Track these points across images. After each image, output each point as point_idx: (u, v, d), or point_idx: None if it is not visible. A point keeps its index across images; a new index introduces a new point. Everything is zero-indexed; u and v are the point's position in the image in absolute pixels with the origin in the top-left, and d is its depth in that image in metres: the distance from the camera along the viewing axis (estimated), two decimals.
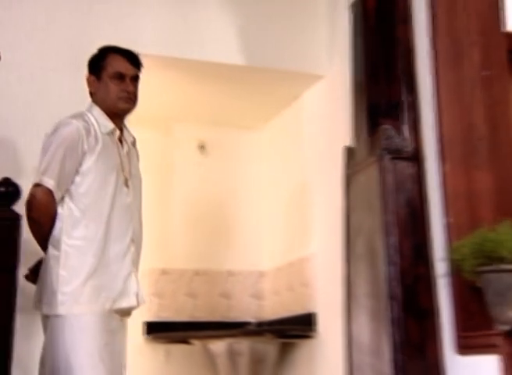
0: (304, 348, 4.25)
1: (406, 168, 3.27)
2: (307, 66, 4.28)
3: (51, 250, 2.57)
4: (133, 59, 2.78)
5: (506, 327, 2.80)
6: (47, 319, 2.56)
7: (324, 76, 4.25)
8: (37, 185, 2.58)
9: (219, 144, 4.94)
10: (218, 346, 4.23)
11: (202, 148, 4.91)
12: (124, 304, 2.60)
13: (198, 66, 4.12)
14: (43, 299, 2.55)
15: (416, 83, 3.39)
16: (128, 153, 2.77)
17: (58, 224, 2.58)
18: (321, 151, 4.24)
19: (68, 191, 2.59)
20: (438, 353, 3.09)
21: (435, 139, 3.25)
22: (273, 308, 4.66)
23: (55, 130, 2.64)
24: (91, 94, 2.78)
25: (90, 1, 3.81)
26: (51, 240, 2.58)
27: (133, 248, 2.67)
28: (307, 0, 4.27)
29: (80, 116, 2.68)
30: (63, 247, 2.54)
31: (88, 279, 2.52)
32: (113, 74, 2.71)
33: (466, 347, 3.00)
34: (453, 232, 3.12)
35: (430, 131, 3.28)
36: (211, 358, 4.34)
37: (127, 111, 2.77)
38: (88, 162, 2.60)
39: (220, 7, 4.10)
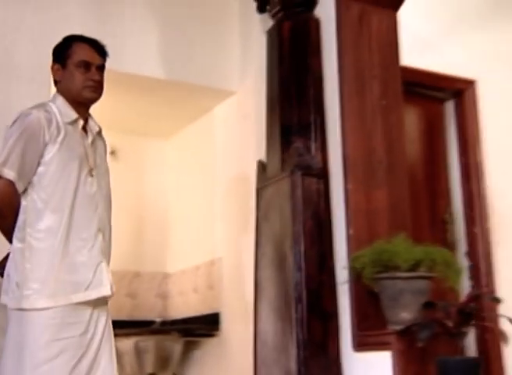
0: (208, 345, 4.44)
1: (314, 184, 3.54)
2: (220, 82, 4.48)
3: (15, 242, 2.49)
4: (98, 48, 2.68)
5: (398, 327, 3.13)
6: (11, 312, 2.46)
7: (235, 92, 4.47)
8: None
9: (130, 150, 5.05)
10: (125, 344, 4.32)
11: (113, 153, 4.99)
12: (95, 294, 2.48)
13: (116, 76, 4.22)
14: (8, 293, 2.46)
15: (324, 108, 3.66)
16: (93, 143, 2.66)
17: (21, 216, 2.49)
18: (231, 162, 4.45)
19: (31, 182, 2.49)
20: (338, 350, 3.37)
21: (340, 159, 3.52)
22: (178, 308, 4.82)
23: (16, 120, 2.54)
24: (55, 82, 2.67)
25: (20, 10, 3.84)
26: (16, 232, 2.50)
27: (100, 237, 2.55)
28: (224, 21, 4.47)
29: (41, 106, 2.58)
30: (27, 239, 2.45)
31: (53, 271, 2.42)
32: (79, 63, 2.60)
33: (363, 345, 3.29)
34: (353, 243, 3.39)
35: (336, 152, 3.55)
36: (117, 355, 4.42)
37: (92, 100, 2.66)
38: (50, 153, 2.50)
39: (141, 21, 4.22)
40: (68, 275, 2.44)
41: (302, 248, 3.42)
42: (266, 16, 3.99)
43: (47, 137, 2.49)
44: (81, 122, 2.61)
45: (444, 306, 3.09)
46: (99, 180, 2.61)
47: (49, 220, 2.46)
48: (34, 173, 2.49)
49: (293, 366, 3.33)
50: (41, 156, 2.49)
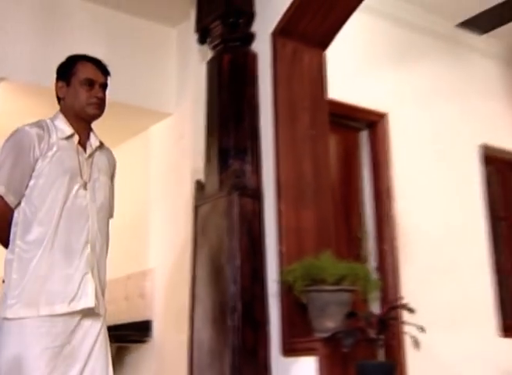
0: (140, 351, 4.52)
1: (249, 204, 3.72)
2: (156, 104, 4.64)
3: (7, 254, 2.49)
4: (102, 67, 2.69)
5: (324, 335, 3.37)
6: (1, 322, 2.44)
7: (172, 114, 4.62)
8: None
9: None
10: None
11: None
12: (80, 305, 2.45)
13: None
14: None
15: (259, 134, 3.85)
16: (91, 157, 2.64)
17: (13, 228, 2.49)
18: (167, 177, 4.58)
19: (24, 195, 2.49)
20: (268, 356, 3.57)
21: (273, 182, 3.71)
22: (110, 316, 4.86)
23: (9, 137, 2.56)
24: (59, 99, 2.67)
25: None
26: (10, 244, 2.49)
27: (88, 249, 2.51)
28: (164, 49, 4.64)
29: (36, 123, 2.58)
30: (16, 251, 2.45)
31: (37, 282, 2.41)
32: (83, 80, 2.60)
33: (291, 350, 3.49)
34: (284, 259, 3.59)
35: (269, 175, 3.74)
36: None
37: (95, 116, 2.66)
38: (40, 167, 2.50)
39: (82, 40, 4.29)
40: (53, 286, 2.42)
41: (237, 263, 3.59)
42: (205, 46, 4.17)
43: (37, 152, 2.49)
44: (77, 137, 2.61)
45: (366, 316, 3.36)
46: (93, 193, 2.59)
47: (36, 232, 2.45)
48: (26, 187, 2.49)
49: (226, 370, 3.51)
50: (33, 170, 2.49)
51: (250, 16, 4.01)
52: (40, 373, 2.33)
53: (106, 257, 2.65)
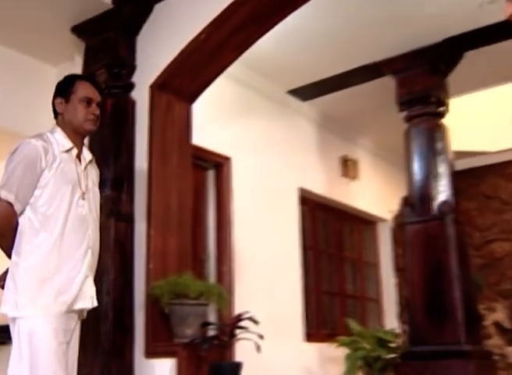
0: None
1: (123, 227, 4.00)
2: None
3: (13, 257, 2.45)
4: (98, 88, 2.71)
5: (184, 340, 3.73)
6: (11, 321, 2.40)
7: None
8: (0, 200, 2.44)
9: None
10: None
11: None
12: (80, 306, 2.47)
13: None
14: (6, 302, 2.40)
15: (135, 169, 4.15)
16: (86, 169, 2.64)
17: (19, 234, 2.45)
18: None
19: (29, 203, 2.46)
20: (133, 357, 3.84)
21: (145, 210, 4.03)
22: None
23: (16, 149, 2.50)
24: (57, 115, 2.65)
25: None
26: (15, 248, 2.45)
27: (89, 255, 2.53)
28: (44, 88, 4.70)
29: (39, 136, 2.55)
30: (23, 254, 2.41)
31: (45, 283, 2.38)
32: (83, 98, 2.59)
33: (153, 353, 3.80)
34: (151, 275, 3.91)
35: (142, 204, 4.05)
36: None
37: (91, 131, 2.68)
38: (46, 178, 2.47)
39: None
40: (60, 286, 2.41)
41: (111, 277, 3.86)
42: None
43: (43, 164, 2.47)
44: (75, 150, 2.60)
45: (220, 325, 3.78)
46: (90, 204, 2.59)
47: (43, 237, 2.43)
48: (32, 196, 2.46)
49: (97, 369, 3.73)
50: (38, 181, 2.47)
51: (132, 68, 4.31)
52: (56, 366, 2.33)
53: None
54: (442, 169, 5.11)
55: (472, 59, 5.34)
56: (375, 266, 7.19)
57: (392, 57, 5.39)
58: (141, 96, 4.24)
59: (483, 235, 7.30)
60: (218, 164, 5.30)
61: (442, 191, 5.04)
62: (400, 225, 7.19)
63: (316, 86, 5.93)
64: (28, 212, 2.47)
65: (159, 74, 4.21)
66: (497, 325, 6.85)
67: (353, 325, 5.42)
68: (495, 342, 6.61)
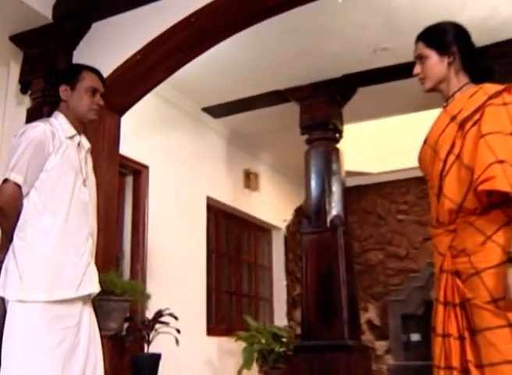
0: None
1: None
2: None
3: (16, 241, 2.33)
4: (103, 79, 2.65)
5: (109, 333, 3.84)
6: (9, 303, 2.29)
7: None
8: (6, 180, 2.34)
9: None
10: None
11: None
12: (86, 291, 2.39)
13: None
14: (6, 285, 2.29)
15: None
16: (85, 157, 2.56)
17: (23, 217, 2.34)
18: None
19: (33, 186, 2.36)
20: None
21: None
22: None
23: (24, 132, 2.41)
24: (60, 101, 2.57)
25: None
26: (17, 231, 2.34)
27: (90, 241, 2.47)
28: None
29: (46, 120, 2.48)
30: (28, 238, 2.31)
31: (50, 268, 2.29)
32: (89, 88, 2.54)
33: None
34: None
35: None
36: None
37: (94, 121, 2.62)
38: (52, 162, 2.38)
39: None
40: (63, 273, 2.32)
41: None
42: (25, 96, 4.37)
43: (50, 148, 2.39)
44: (78, 138, 2.53)
45: (143, 320, 3.92)
46: (90, 191, 2.53)
47: (48, 222, 2.33)
48: (37, 179, 2.37)
49: None
50: (44, 164, 2.38)
51: None
52: (54, 352, 2.24)
53: None
54: (336, 188, 5.56)
55: (364, 94, 5.85)
56: (268, 269, 7.56)
57: (298, 86, 5.79)
58: None
59: (361, 245, 7.89)
60: (137, 171, 5.41)
61: (335, 207, 5.48)
62: (292, 233, 7.64)
63: (227, 105, 6.21)
64: (33, 194, 2.37)
65: None
66: (369, 323, 7.44)
67: (251, 321, 5.72)
68: (367, 337, 7.18)
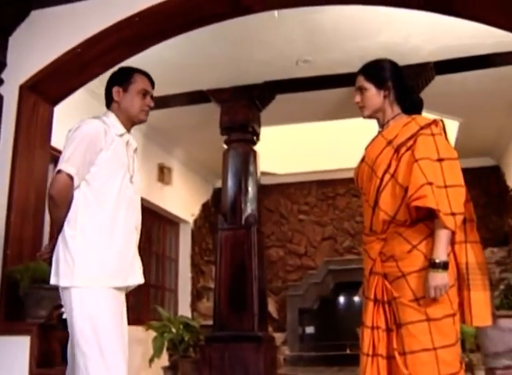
0: None
1: None
2: None
3: (67, 230, 2.40)
4: (153, 82, 2.72)
5: (39, 320, 3.92)
6: (65, 291, 2.39)
7: None
8: (60, 171, 2.40)
9: None
10: None
11: None
12: (133, 281, 2.49)
13: None
14: (60, 273, 2.37)
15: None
16: (132, 155, 2.65)
17: (74, 207, 2.42)
18: None
19: (84, 179, 2.43)
20: None
21: (6, 199, 4.13)
22: None
23: (79, 127, 2.49)
24: (112, 101, 2.65)
25: None
26: (68, 221, 2.41)
27: (135, 235, 2.57)
28: None
29: (99, 118, 2.56)
30: (79, 227, 2.39)
31: (101, 257, 2.38)
32: (140, 90, 2.63)
33: (9, 331, 3.89)
34: (9, 260, 4.04)
35: (4, 193, 4.14)
36: None
37: (143, 122, 2.69)
38: (103, 157, 2.47)
39: None
40: (115, 262, 2.41)
41: None
42: None
43: (102, 144, 2.47)
44: (127, 136, 2.63)
45: None
46: (135, 187, 2.61)
47: (98, 213, 2.43)
48: (88, 172, 2.44)
49: None
50: (96, 158, 2.46)
51: (3, 65, 4.35)
52: (114, 337, 2.35)
53: None
54: (251, 187, 5.92)
55: (281, 101, 6.26)
56: (174, 260, 7.79)
57: (221, 88, 6.07)
58: (11, 92, 4.30)
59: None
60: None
61: (250, 205, 5.84)
62: (198, 227, 7.93)
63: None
64: (84, 187, 2.45)
65: (31, 76, 4.32)
66: (269, 315, 7.90)
67: (163, 312, 5.95)
68: None
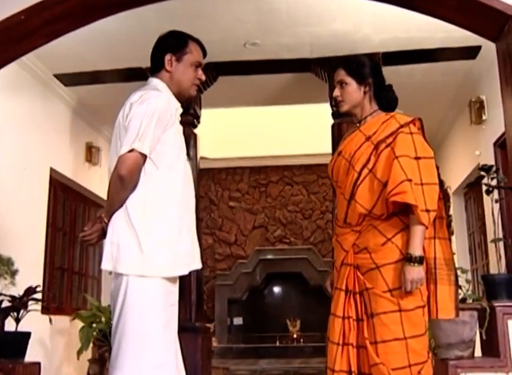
0: None
1: None
2: None
3: (133, 215, 2.26)
4: (205, 53, 2.59)
5: None
6: (122, 278, 2.27)
7: None
8: (133, 150, 2.24)
9: None
10: None
11: None
12: (195, 266, 2.43)
13: None
14: (120, 260, 2.26)
15: None
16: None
17: (141, 192, 2.28)
18: None
19: (150, 158, 2.31)
20: None
21: None
22: None
23: (145, 100, 2.32)
24: (162, 69, 2.50)
25: None
26: (132, 203, 2.27)
27: (194, 216, 2.47)
28: None
29: (160, 92, 2.40)
30: (147, 212, 2.27)
31: (169, 242, 2.29)
32: (195, 62, 2.50)
33: None
34: None
35: None
36: None
37: (192, 97, 2.56)
38: (169, 133, 2.35)
39: None
40: (181, 249, 2.33)
41: None
42: None
43: (169, 120, 2.36)
44: (180, 110, 2.53)
45: (15, 297, 4.00)
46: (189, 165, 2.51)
47: (165, 195, 2.32)
48: (154, 150, 2.31)
49: None
50: (163, 136, 2.34)
51: None
52: (167, 329, 2.34)
53: None
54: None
55: (223, 83, 6.37)
56: (99, 245, 7.69)
57: None
58: None
59: None
60: None
61: None
62: None
63: (81, 75, 6.24)
64: (149, 166, 2.33)
65: None
66: None
67: (92, 300, 5.94)
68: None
